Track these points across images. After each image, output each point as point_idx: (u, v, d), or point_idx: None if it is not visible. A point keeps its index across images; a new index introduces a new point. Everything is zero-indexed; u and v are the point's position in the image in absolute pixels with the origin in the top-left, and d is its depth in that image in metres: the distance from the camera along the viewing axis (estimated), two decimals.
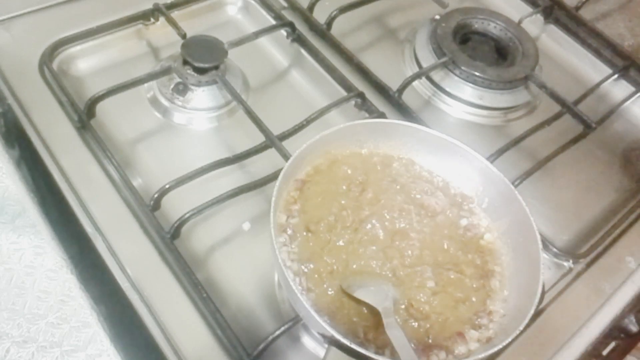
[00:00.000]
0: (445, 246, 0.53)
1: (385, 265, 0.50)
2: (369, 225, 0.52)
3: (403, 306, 0.48)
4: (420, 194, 0.55)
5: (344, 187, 0.54)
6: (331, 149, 0.55)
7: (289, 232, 0.50)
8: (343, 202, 0.53)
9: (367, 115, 0.71)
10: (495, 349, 0.44)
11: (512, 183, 0.64)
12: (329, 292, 0.48)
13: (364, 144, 0.57)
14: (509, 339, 0.44)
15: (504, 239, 0.53)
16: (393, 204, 0.54)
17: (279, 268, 0.46)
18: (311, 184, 0.54)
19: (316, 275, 0.49)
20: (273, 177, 0.59)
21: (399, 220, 0.53)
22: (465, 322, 0.48)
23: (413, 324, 0.48)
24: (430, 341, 0.47)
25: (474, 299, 0.50)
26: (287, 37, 0.79)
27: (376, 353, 0.42)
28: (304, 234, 0.51)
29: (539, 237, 0.49)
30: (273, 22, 0.80)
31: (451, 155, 0.56)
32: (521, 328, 0.44)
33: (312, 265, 0.49)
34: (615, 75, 0.85)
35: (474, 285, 0.50)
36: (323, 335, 0.44)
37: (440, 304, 0.49)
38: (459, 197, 0.56)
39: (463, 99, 0.78)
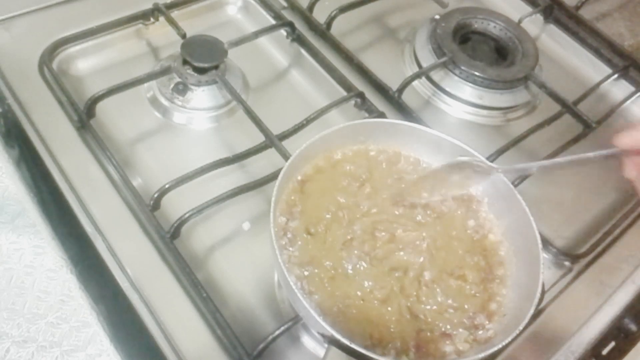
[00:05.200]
0: (451, 247, 0.53)
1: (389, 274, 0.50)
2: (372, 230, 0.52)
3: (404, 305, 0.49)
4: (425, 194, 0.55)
5: (345, 183, 0.54)
6: (331, 149, 0.55)
7: (289, 235, 0.50)
8: (342, 200, 0.53)
9: (367, 115, 0.71)
10: (495, 349, 0.44)
11: (512, 183, 0.64)
12: (330, 295, 0.48)
13: (364, 144, 0.56)
14: (509, 339, 0.44)
15: (505, 239, 0.53)
16: (397, 206, 0.54)
17: (278, 268, 0.46)
18: (312, 182, 0.54)
19: (317, 279, 0.49)
20: (273, 177, 0.59)
21: (404, 223, 0.53)
22: (462, 324, 0.48)
23: (411, 322, 0.48)
24: (427, 337, 0.47)
25: (475, 299, 0.50)
26: (287, 37, 0.79)
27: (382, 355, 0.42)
28: (304, 236, 0.50)
29: (539, 237, 0.49)
30: (273, 22, 0.80)
31: (451, 155, 0.56)
32: (521, 328, 0.44)
33: (313, 269, 0.49)
34: (615, 75, 0.85)
35: (477, 286, 0.50)
36: (323, 335, 0.44)
37: (440, 303, 0.49)
38: (465, 196, 0.56)
39: (463, 99, 0.78)
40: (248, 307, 0.56)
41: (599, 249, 0.65)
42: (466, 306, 0.49)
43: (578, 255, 0.64)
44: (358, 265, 0.50)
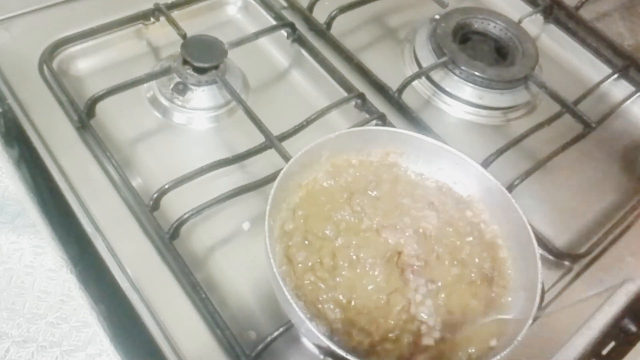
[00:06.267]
0: (452, 251, 0.53)
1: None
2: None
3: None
4: (425, 205, 0.55)
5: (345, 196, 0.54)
6: (329, 156, 0.55)
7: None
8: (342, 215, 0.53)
9: (367, 116, 0.71)
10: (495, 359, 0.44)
11: (512, 183, 0.64)
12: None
13: (361, 151, 0.56)
14: (508, 349, 0.44)
15: (504, 246, 0.53)
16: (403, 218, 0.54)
17: (274, 279, 0.45)
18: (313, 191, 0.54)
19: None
20: (273, 177, 0.59)
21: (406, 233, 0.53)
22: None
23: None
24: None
25: (475, 309, 0.49)
26: (288, 37, 0.79)
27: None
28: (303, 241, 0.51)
29: (535, 244, 0.49)
30: (273, 22, 0.80)
31: (449, 164, 0.56)
32: (519, 338, 0.44)
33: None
34: (615, 75, 0.85)
35: (478, 297, 0.50)
36: (318, 347, 0.44)
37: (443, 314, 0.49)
38: (465, 206, 0.56)
39: (463, 99, 0.78)
40: (248, 308, 0.56)
41: (599, 249, 0.65)
42: (475, 309, 0.49)
43: (578, 255, 0.64)
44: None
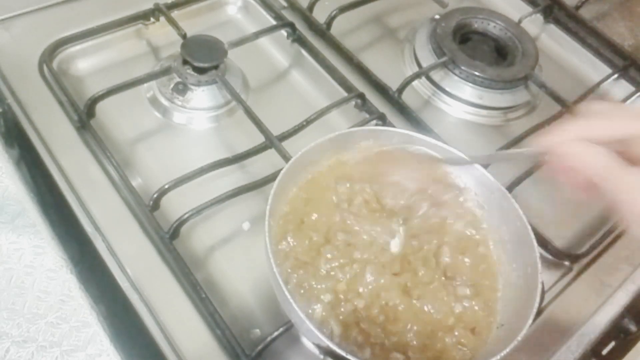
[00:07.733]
0: (446, 263, 0.53)
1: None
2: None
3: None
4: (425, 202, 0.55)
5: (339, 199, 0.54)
6: (329, 156, 0.55)
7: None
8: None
9: (367, 116, 0.71)
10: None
11: (512, 183, 0.64)
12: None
13: (359, 151, 0.56)
14: (507, 349, 0.43)
15: (502, 249, 0.53)
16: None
17: (274, 280, 0.45)
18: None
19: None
20: (272, 177, 0.59)
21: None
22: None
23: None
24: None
25: (469, 312, 0.50)
26: (288, 37, 0.79)
27: None
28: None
29: (535, 244, 0.49)
30: (273, 22, 0.80)
31: (447, 163, 0.56)
32: (519, 338, 0.44)
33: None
34: (615, 75, 0.85)
35: (472, 300, 0.50)
36: (318, 347, 0.44)
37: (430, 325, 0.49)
38: (459, 206, 0.56)
39: (463, 99, 0.78)
40: (248, 307, 0.56)
41: (599, 249, 0.65)
42: (469, 312, 0.49)
43: (578, 255, 0.64)
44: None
